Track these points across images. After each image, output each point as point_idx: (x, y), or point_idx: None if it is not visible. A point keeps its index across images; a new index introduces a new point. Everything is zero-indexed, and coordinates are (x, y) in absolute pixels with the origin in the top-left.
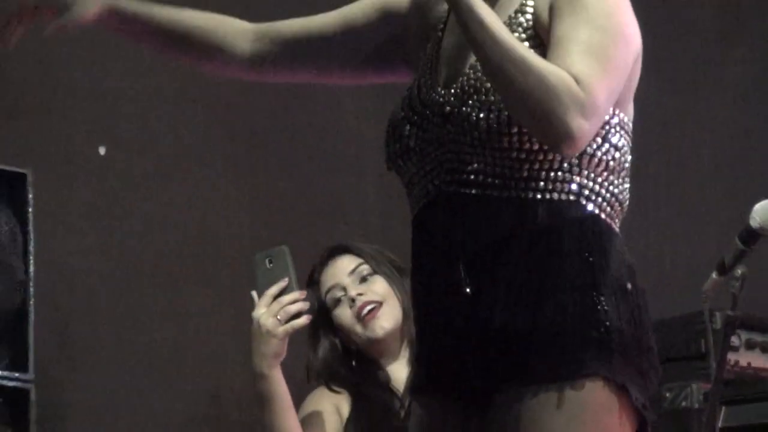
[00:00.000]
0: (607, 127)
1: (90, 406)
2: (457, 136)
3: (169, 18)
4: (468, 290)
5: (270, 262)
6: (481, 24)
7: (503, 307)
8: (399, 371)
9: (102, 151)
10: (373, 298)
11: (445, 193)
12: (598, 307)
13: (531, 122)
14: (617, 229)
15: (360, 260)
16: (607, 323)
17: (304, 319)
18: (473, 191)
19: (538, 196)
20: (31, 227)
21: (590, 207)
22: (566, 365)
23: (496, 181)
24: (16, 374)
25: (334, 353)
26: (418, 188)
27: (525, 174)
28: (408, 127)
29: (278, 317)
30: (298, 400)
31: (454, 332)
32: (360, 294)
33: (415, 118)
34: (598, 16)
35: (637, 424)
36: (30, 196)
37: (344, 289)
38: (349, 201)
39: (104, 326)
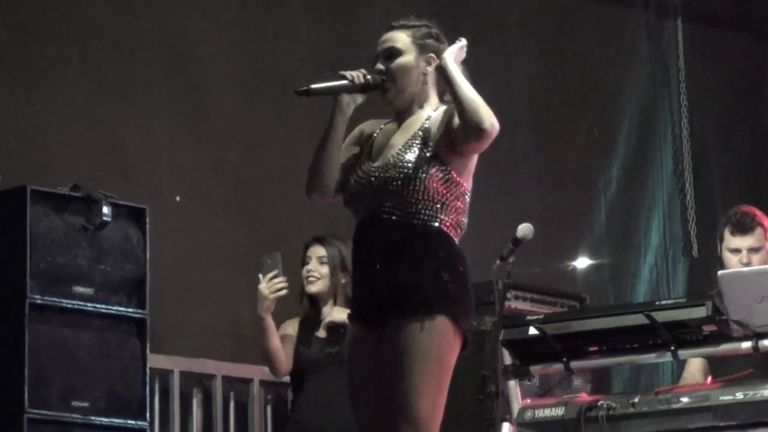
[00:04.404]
0: (460, 193)
1: (177, 327)
2: (379, 189)
3: (335, 152)
4: (378, 266)
5: (269, 260)
6: (459, 86)
7: (395, 276)
8: (326, 311)
9: (178, 198)
10: (316, 275)
11: (372, 217)
12: (444, 278)
13: (473, 124)
14: (457, 240)
15: (324, 253)
16: (449, 287)
17: (283, 292)
18: (385, 216)
19: (419, 222)
20: (148, 236)
21: (445, 229)
22: (427, 307)
23: (398, 212)
24: (139, 310)
25: (305, 293)
26: (359, 213)
27: (413, 210)
28: (353, 184)
29: (270, 289)
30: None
31: (370, 288)
32: (313, 270)
33: (358, 179)
34: None
35: (463, 340)
36: (147, 219)
37: (310, 261)
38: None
39: (182, 286)
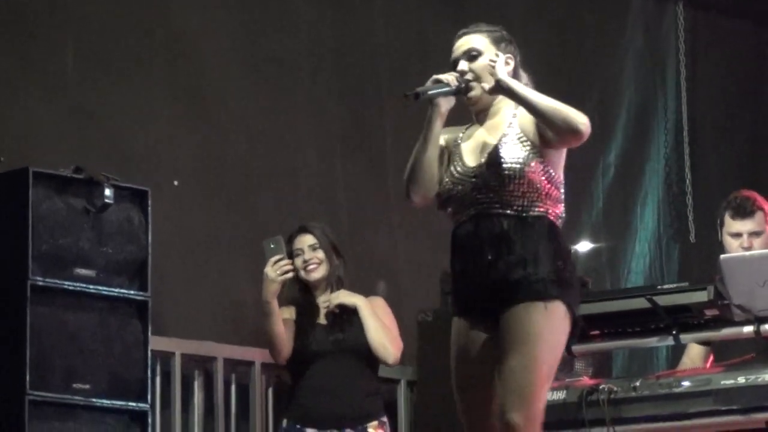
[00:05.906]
0: (557, 184)
1: (178, 309)
2: (483, 187)
3: (433, 154)
4: (489, 257)
5: (272, 244)
6: (534, 101)
7: (509, 266)
8: (324, 297)
9: (176, 183)
10: (316, 261)
11: (478, 214)
12: (559, 266)
13: (568, 131)
14: (560, 229)
15: (315, 239)
16: (564, 274)
17: (290, 275)
18: (493, 212)
19: (525, 213)
20: (150, 218)
21: (551, 218)
22: (546, 293)
23: (506, 207)
24: (141, 292)
25: (293, 281)
26: (460, 213)
27: (519, 203)
28: (451, 186)
29: (277, 272)
30: None
31: (480, 281)
32: (311, 258)
33: (456, 181)
34: None
35: (572, 323)
36: (149, 201)
37: (303, 251)
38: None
39: (184, 268)
